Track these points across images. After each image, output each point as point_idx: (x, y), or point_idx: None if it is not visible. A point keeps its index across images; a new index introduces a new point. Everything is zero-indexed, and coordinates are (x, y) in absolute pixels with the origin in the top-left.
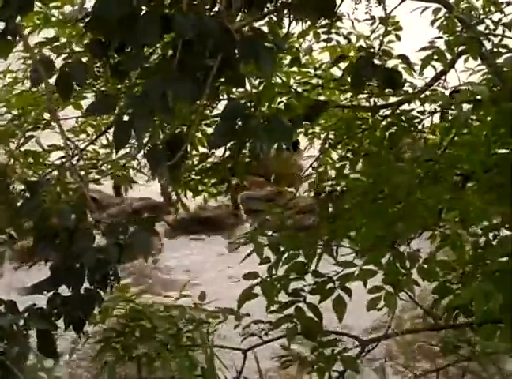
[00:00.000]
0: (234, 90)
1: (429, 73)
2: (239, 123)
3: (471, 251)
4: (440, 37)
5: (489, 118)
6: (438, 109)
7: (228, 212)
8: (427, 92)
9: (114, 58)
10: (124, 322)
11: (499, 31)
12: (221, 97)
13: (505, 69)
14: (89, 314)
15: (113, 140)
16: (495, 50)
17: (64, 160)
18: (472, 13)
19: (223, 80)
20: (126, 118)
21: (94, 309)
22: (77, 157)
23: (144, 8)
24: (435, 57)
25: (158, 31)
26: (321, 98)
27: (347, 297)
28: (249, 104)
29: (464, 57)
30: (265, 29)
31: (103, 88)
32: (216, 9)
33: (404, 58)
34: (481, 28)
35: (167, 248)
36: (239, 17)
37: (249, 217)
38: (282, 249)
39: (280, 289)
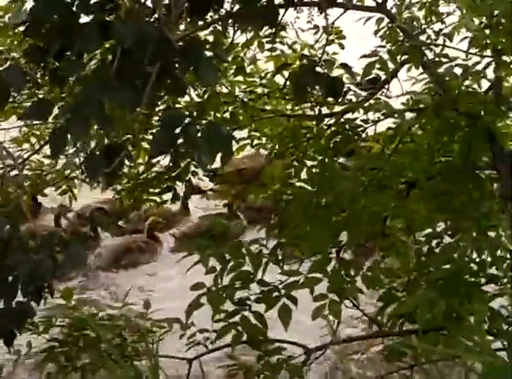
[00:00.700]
0: (180, 99)
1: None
2: (179, 132)
3: (415, 259)
4: (383, 46)
5: (432, 127)
6: (382, 117)
7: None
8: (371, 101)
9: (53, 64)
10: (67, 332)
11: (441, 41)
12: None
13: (446, 78)
14: (21, 327)
15: (49, 148)
16: (437, 59)
17: (2, 171)
18: (414, 23)
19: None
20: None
21: (26, 322)
22: (19, 167)
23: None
24: (378, 65)
25: (97, 38)
26: (267, 107)
27: (293, 305)
28: (190, 113)
29: (407, 66)
30: (211, 38)
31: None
32: (156, 16)
33: (346, 67)
34: (423, 37)
35: None
36: (182, 27)
37: None
38: (228, 258)
39: (226, 298)
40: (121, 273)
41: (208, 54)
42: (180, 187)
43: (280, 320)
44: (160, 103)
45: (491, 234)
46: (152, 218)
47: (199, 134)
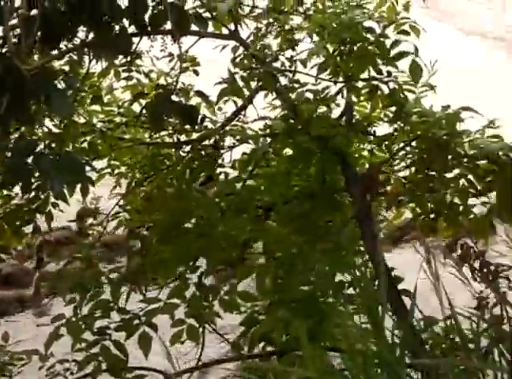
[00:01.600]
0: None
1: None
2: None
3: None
4: (236, 73)
5: (287, 151)
6: (237, 143)
7: None
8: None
9: None
10: None
11: (298, 67)
12: None
13: (297, 103)
14: None
15: None
16: (290, 85)
17: None
18: (267, 50)
19: None
20: None
21: None
22: None
23: None
24: (233, 92)
25: None
26: (126, 136)
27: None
28: (44, 143)
29: (265, 92)
30: (67, 68)
31: None
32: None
33: (201, 94)
34: (277, 64)
35: None
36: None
37: None
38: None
39: (86, 328)
40: None
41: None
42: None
43: (140, 347)
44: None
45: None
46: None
47: (51, 163)
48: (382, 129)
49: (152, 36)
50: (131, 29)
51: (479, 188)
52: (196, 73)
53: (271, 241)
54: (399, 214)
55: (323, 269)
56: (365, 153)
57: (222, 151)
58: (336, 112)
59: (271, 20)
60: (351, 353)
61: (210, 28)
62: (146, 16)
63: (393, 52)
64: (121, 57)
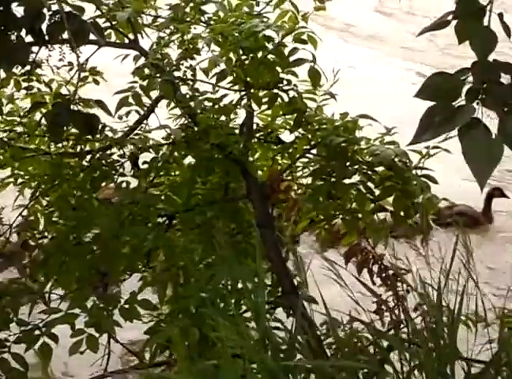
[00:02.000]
0: None
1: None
2: None
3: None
4: (136, 82)
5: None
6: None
7: None
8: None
9: None
10: None
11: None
12: None
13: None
14: None
15: None
16: (190, 93)
17: None
18: (167, 59)
19: None
20: None
21: None
22: None
23: None
24: (132, 101)
25: None
26: (31, 146)
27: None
28: None
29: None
30: None
31: None
32: None
33: (100, 103)
34: (179, 73)
35: None
36: None
37: None
38: None
39: None
40: None
41: None
42: None
43: (40, 358)
44: None
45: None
46: None
47: None
48: (288, 137)
49: (50, 46)
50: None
51: (377, 193)
52: (96, 82)
53: (173, 249)
54: (304, 222)
55: (223, 277)
56: (268, 161)
57: (123, 160)
58: (239, 121)
59: (172, 28)
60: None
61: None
62: (44, 26)
63: (291, 59)
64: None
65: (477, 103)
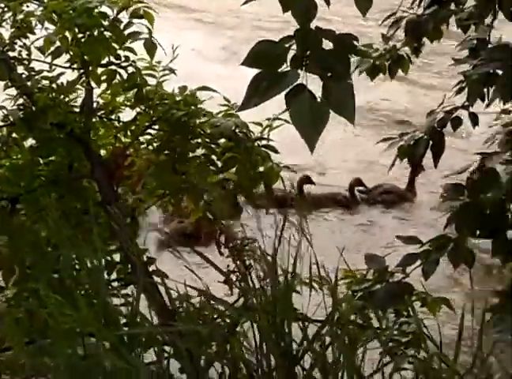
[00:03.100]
0: None
1: None
2: None
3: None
4: None
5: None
6: None
7: None
8: None
9: None
10: None
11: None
12: None
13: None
14: None
15: None
16: (27, 73)
17: None
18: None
19: None
20: None
21: None
22: None
23: None
24: None
25: None
26: None
27: None
28: None
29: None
30: None
31: None
32: None
33: None
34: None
35: None
36: None
37: None
38: None
39: None
40: None
41: None
42: None
43: None
44: None
45: None
46: None
47: None
48: (131, 114)
49: None
50: None
51: (219, 165)
52: None
53: (18, 232)
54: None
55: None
56: (111, 139)
57: None
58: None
59: (3, 6)
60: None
61: None
62: None
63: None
64: None
65: (302, 70)
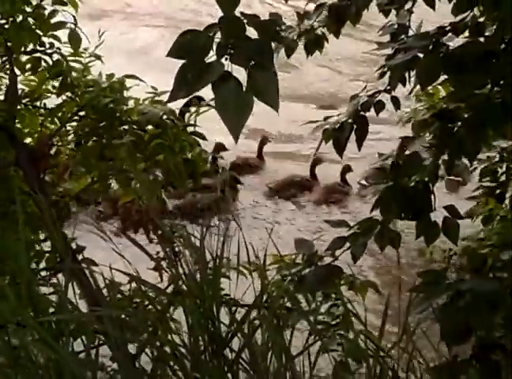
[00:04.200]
0: None
1: None
2: None
3: None
4: None
5: None
6: None
7: None
8: None
9: None
10: None
11: None
12: None
13: None
14: None
15: None
16: None
17: None
18: None
19: None
20: None
21: None
22: None
23: None
24: None
25: None
26: None
27: None
28: None
29: None
30: None
31: None
32: None
33: None
34: None
35: None
36: None
37: None
38: None
39: None
40: None
41: None
42: None
43: None
44: None
45: None
46: None
47: None
48: (57, 101)
49: None
50: None
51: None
52: None
53: None
54: (80, 184)
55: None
56: (37, 127)
57: None
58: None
59: None
60: None
61: None
62: None
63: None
64: None
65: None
